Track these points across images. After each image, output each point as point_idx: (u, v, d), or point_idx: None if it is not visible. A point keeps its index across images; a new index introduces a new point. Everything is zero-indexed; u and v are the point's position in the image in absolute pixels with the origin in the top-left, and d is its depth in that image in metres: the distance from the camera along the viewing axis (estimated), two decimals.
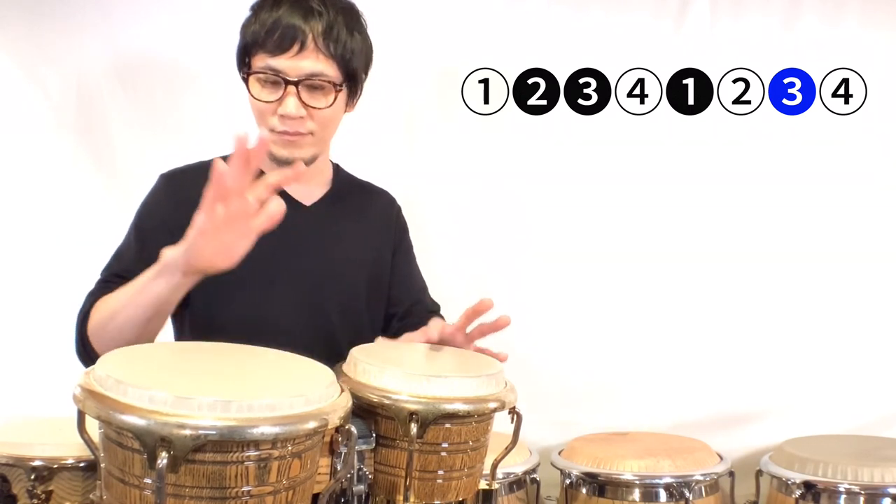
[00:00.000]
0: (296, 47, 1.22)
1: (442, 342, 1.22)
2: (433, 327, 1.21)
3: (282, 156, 1.28)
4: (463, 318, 1.20)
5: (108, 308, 1.17)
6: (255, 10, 1.27)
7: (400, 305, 1.46)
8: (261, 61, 1.24)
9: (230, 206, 0.98)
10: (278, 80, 1.23)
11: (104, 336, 1.15)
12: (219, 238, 1.00)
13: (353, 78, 1.29)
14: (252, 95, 1.26)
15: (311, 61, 1.23)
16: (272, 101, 1.24)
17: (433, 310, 1.50)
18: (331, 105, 1.26)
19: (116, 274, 1.26)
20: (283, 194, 1.34)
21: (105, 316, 1.17)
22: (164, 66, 1.95)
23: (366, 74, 1.36)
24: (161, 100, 1.96)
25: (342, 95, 1.28)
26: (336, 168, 1.47)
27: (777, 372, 2.08)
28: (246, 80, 1.28)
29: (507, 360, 1.17)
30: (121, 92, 1.94)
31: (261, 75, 1.24)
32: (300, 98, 1.23)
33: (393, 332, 1.43)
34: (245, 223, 1.00)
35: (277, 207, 1.00)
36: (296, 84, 1.23)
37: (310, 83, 1.24)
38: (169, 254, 1.06)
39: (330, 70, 1.24)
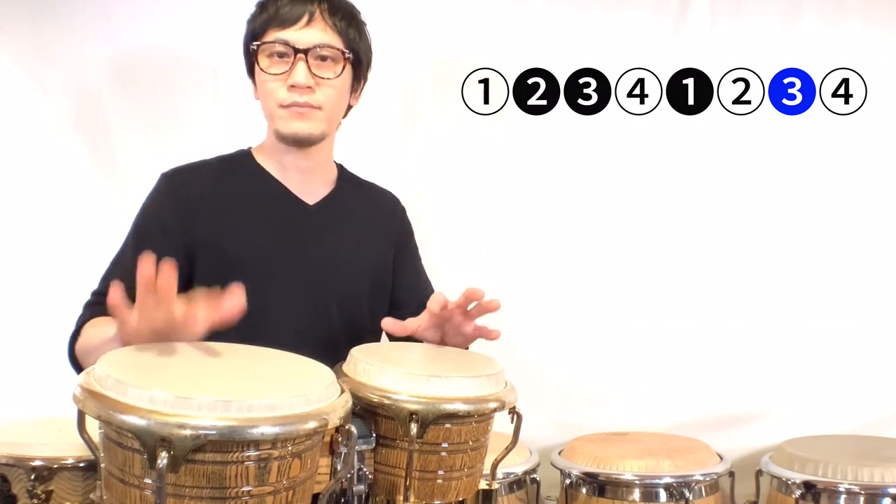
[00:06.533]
0: (304, 19, 1.28)
1: (441, 320, 1.22)
2: (434, 300, 1.20)
3: (290, 131, 1.30)
4: (462, 297, 1.19)
5: (87, 342, 1.19)
6: (262, 4, 1.32)
7: (405, 308, 1.46)
8: (270, 36, 1.28)
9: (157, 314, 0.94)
10: (287, 52, 1.27)
11: (89, 362, 1.13)
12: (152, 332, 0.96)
13: (357, 56, 1.33)
14: (261, 70, 1.29)
15: (318, 31, 1.29)
16: (282, 73, 1.28)
17: None
18: (339, 75, 1.30)
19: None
20: (287, 193, 1.36)
21: (85, 347, 1.19)
22: (164, 66, 1.95)
23: (368, 69, 1.39)
24: (161, 99, 1.96)
25: (348, 69, 1.32)
26: (340, 168, 1.47)
27: (777, 372, 2.08)
28: (253, 62, 1.31)
29: (507, 361, 1.16)
30: (121, 92, 1.94)
31: (269, 46, 1.28)
32: (309, 68, 1.28)
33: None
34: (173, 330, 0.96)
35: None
36: (305, 52, 1.27)
37: (318, 53, 1.28)
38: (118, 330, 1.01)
39: (336, 42, 1.30)
